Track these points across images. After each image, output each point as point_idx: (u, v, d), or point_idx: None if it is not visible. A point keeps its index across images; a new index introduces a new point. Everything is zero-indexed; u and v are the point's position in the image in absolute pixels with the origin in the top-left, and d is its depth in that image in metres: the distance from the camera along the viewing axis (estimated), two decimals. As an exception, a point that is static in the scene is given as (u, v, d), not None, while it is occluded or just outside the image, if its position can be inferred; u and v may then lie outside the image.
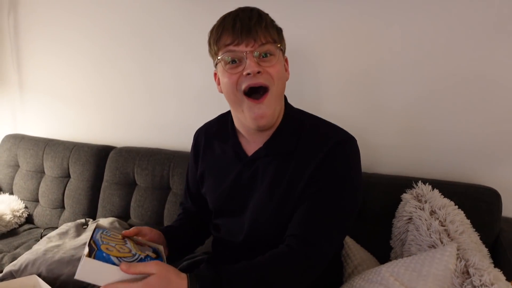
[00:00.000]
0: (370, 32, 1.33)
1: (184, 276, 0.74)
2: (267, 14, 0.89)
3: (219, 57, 0.87)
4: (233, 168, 0.96)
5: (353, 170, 0.87)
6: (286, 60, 0.94)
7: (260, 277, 0.76)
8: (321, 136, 0.88)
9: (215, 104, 1.66)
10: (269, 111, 0.86)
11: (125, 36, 1.88)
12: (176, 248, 1.00)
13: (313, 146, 0.87)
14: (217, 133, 1.03)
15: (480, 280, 0.85)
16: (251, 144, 0.95)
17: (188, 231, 1.08)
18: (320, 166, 0.85)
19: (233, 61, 0.85)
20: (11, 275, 1.33)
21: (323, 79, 1.44)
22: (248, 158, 0.93)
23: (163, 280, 0.71)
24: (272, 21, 0.89)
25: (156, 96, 1.84)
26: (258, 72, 0.84)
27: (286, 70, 0.93)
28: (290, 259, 0.79)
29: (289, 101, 0.98)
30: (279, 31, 0.90)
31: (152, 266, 0.73)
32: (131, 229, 0.91)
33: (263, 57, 0.85)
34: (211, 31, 0.89)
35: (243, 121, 0.91)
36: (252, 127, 0.89)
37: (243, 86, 0.85)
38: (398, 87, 1.31)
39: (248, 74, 0.83)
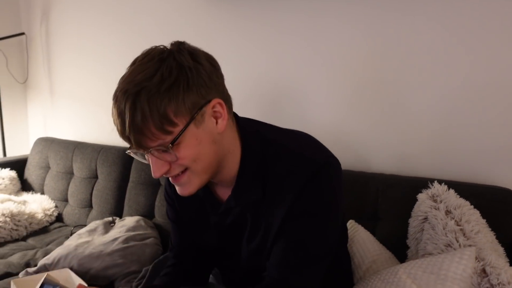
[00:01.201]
0: (387, 35, 1.36)
1: None
2: (149, 98, 0.66)
3: None
4: (211, 218, 0.88)
5: (333, 201, 0.78)
6: (215, 107, 0.73)
7: None
8: (289, 172, 0.76)
9: (237, 103, 1.72)
10: (191, 187, 0.75)
11: (152, 38, 1.95)
12: None
13: (282, 187, 0.77)
14: None
15: (498, 279, 0.87)
16: (220, 190, 0.86)
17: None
18: (293, 206, 0.76)
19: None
20: (45, 268, 1.41)
21: (340, 82, 1.48)
22: (221, 209, 0.84)
23: None
24: (158, 106, 0.66)
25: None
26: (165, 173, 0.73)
27: (217, 120, 0.74)
28: None
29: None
30: (177, 106, 0.68)
31: None
32: None
33: (163, 151, 0.70)
34: None
35: None
36: None
37: None
38: (414, 89, 1.33)
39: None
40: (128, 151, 0.74)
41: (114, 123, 0.70)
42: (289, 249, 0.78)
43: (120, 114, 0.69)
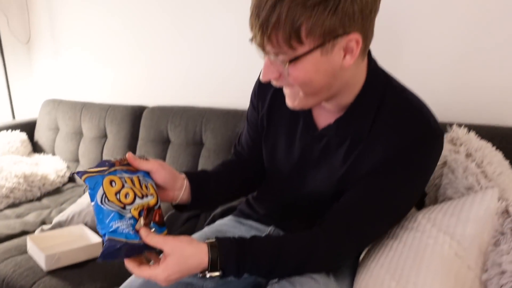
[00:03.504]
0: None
1: (204, 250, 0.70)
2: (291, 7, 0.62)
3: None
4: (302, 139, 0.86)
5: (427, 171, 0.77)
6: (350, 42, 0.67)
7: (287, 262, 0.74)
8: (405, 123, 0.74)
9: (247, 60, 1.66)
10: (296, 103, 0.75)
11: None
12: (201, 199, 0.87)
13: (390, 135, 0.74)
14: None
15: (521, 218, 0.83)
16: (322, 114, 0.83)
17: (224, 180, 0.93)
18: (393, 158, 0.74)
19: None
20: (60, 225, 1.42)
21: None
22: (317, 132, 0.83)
23: (181, 259, 0.68)
24: (296, 18, 0.62)
25: (187, 54, 1.84)
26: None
27: (345, 54, 0.68)
28: (324, 247, 0.75)
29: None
30: (313, 26, 0.63)
31: (167, 246, 0.69)
32: (131, 156, 0.79)
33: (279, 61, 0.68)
34: None
35: None
36: None
37: None
38: (427, 22, 1.25)
39: None
40: (250, 40, 0.70)
41: (250, 8, 0.67)
42: (366, 199, 0.76)
43: (257, 6, 0.65)
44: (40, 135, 2.21)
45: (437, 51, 1.26)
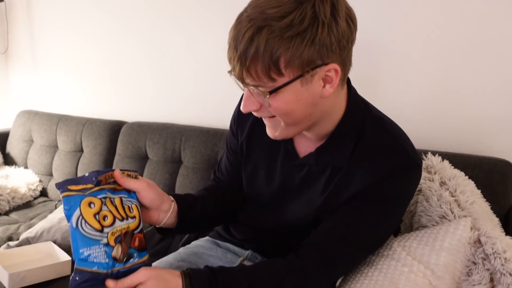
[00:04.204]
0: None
1: (177, 273, 0.69)
2: (269, 39, 0.62)
3: None
4: (283, 167, 0.86)
5: (405, 200, 0.80)
6: (329, 72, 0.68)
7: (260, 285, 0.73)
8: (383, 152, 0.75)
9: (227, 79, 1.66)
10: (277, 133, 0.76)
11: (137, 11, 1.87)
12: (188, 223, 0.86)
13: (369, 162, 0.75)
14: None
15: (493, 248, 0.85)
16: (303, 142, 0.84)
17: (209, 205, 0.91)
18: (371, 187, 0.75)
19: None
20: (28, 242, 1.37)
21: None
22: (298, 161, 0.83)
23: (160, 282, 0.66)
24: (274, 50, 0.63)
25: (168, 71, 1.84)
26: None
27: (325, 84, 0.69)
28: (299, 276, 0.74)
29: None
30: (292, 58, 0.63)
31: (140, 276, 0.66)
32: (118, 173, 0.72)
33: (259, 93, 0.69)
34: None
35: None
36: None
37: None
38: (405, 53, 1.29)
39: None
40: (229, 73, 0.71)
41: (228, 41, 0.67)
42: (346, 226, 0.76)
43: (234, 39, 0.65)
44: (13, 147, 2.15)
45: (414, 82, 1.29)
